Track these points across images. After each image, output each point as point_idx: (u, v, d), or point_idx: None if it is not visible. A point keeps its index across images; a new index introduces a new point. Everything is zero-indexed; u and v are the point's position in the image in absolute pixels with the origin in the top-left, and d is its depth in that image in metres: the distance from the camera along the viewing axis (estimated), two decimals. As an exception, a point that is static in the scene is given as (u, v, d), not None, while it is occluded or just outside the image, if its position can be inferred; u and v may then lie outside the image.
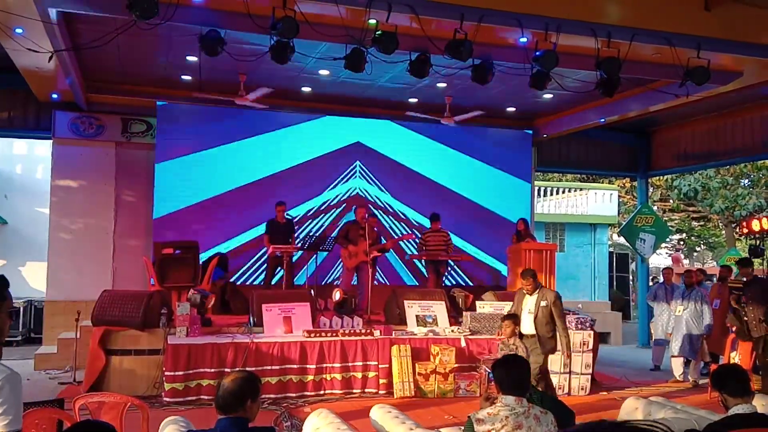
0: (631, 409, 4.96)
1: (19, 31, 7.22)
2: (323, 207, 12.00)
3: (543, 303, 6.99)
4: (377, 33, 6.67)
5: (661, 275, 11.27)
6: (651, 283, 15.53)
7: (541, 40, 7.10)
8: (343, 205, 12.08)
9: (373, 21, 6.62)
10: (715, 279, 12.49)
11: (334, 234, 10.66)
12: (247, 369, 4.07)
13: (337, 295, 9.35)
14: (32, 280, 13.81)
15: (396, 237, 11.38)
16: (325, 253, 10.44)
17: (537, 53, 7.19)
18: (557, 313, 6.96)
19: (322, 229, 11.76)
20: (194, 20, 6.83)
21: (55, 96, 10.57)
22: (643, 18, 7.31)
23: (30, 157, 15.49)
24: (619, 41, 7.23)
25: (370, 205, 11.85)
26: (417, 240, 11.18)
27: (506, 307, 9.49)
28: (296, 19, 6.23)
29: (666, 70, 8.07)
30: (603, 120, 11.98)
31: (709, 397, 7.79)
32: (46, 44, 7.41)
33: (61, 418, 3.71)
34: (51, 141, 11.21)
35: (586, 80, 8.41)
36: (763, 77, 8.94)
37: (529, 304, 7.08)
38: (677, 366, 9.81)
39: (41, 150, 14.70)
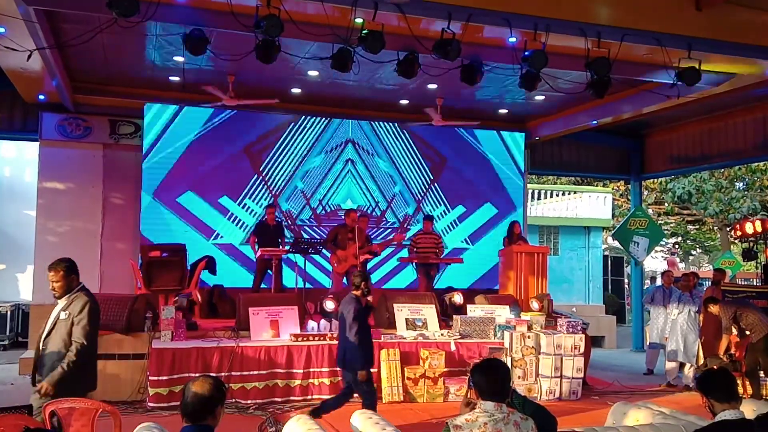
0: (619, 414, 4.86)
1: (1, 30, 7.12)
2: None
3: (63, 315, 4.47)
4: (363, 32, 6.57)
5: (660, 278, 11.17)
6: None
7: (530, 40, 7.02)
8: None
9: (359, 20, 6.53)
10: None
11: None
12: (212, 374, 3.94)
13: (330, 305, 8.75)
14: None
15: (386, 240, 11.25)
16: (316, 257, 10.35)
17: (526, 53, 7.10)
18: (78, 332, 4.41)
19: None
20: (177, 19, 6.73)
21: (41, 97, 10.42)
22: (634, 18, 7.22)
23: (19, 160, 15.31)
24: (610, 41, 7.16)
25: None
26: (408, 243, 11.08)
27: (497, 310, 9.41)
28: (281, 17, 6.13)
29: (657, 70, 8.00)
30: (595, 122, 11.91)
31: (701, 403, 7.69)
32: (29, 44, 7.28)
33: (28, 424, 3.57)
34: (38, 143, 11.07)
35: (578, 81, 8.33)
36: (755, 78, 8.86)
37: (53, 315, 4.56)
38: (671, 370, 9.73)
39: (30, 153, 14.50)
